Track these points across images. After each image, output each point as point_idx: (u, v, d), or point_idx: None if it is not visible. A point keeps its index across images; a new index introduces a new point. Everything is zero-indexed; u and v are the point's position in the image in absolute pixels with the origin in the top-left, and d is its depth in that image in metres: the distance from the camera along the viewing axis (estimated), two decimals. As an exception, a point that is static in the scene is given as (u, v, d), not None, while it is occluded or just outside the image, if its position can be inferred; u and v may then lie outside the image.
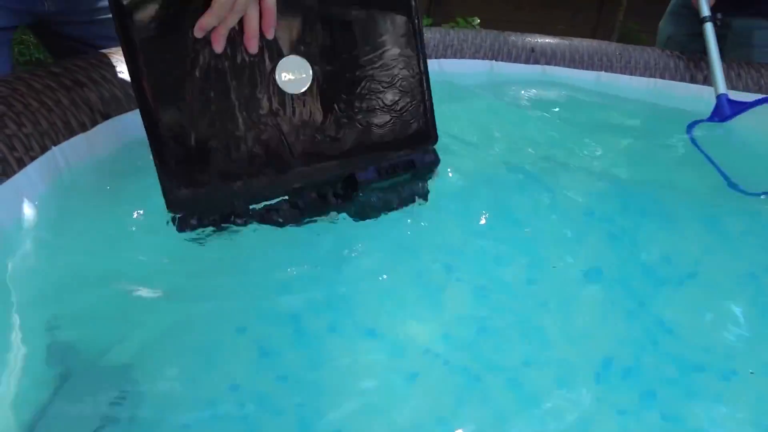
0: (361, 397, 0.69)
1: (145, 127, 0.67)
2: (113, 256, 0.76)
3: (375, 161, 0.80)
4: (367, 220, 0.86)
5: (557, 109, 1.40)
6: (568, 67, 1.47)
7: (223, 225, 0.76)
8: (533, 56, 1.47)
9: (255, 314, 0.76)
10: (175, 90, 0.66)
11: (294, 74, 0.73)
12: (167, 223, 0.74)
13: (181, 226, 0.73)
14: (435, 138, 0.84)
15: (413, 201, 0.91)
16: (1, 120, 0.78)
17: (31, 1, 1.03)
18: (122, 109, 0.95)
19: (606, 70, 1.46)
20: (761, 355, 0.79)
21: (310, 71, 0.73)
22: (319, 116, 0.75)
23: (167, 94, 0.66)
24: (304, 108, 0.74)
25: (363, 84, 0.77)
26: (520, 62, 1.47)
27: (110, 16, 1.13)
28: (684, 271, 0.93)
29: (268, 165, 0.73)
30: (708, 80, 1.38)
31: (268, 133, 0.72)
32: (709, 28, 1.34)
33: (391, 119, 0.80)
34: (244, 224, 0.77)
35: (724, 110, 1.26)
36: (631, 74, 1.46)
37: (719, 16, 1.37)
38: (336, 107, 0.76)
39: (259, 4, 0.68)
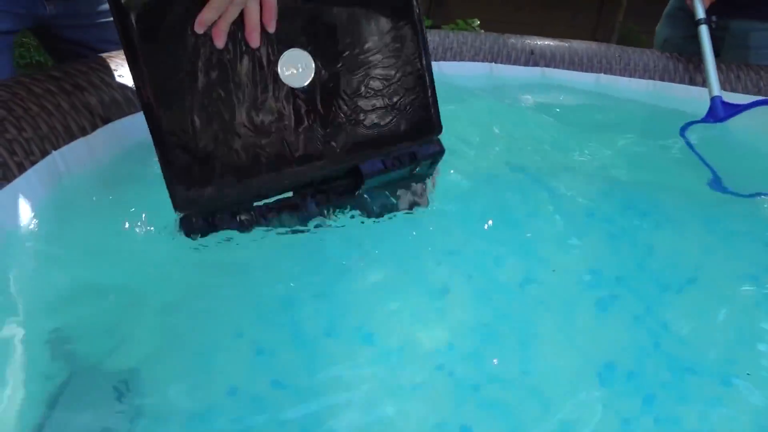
0: (360, 401, 0.69)
1: (149, 126, 0.67)
2: (113, 260, 0.76)
3: (380, 153, 0.80)
4: (367, 222, 0.86)
5: (557, 112, 1.40)
6: (568, 69, 1.47)
7: (228, 227, 0.75)
8: (533, 58, 1.47)
9: (254, 319, 0.76)
10: (177, 87, 0.66)
11: (296, 67, 0.72)
12: (175, 230, 0.74)
13: (187, 228, 0.72)
14: (439, 128, 0.84)
15: (418, 192, 0.91)
16: (1, 124, 0.78)
17: (33, 5, 1.04)
18: (122, 113, 0.96)
19: (605, 72, 1.47)
20: (759, 356, 0.79)
21: (313, 64, 0.73)
22: (322, 109, 0.74)
23: (170, 92, 0.66)
24: (307, 101, 0.73)
25: (366, 76, 0.77)
26: (520, 64, 1.47)
27: (111, 19, 1.15)
28: (684, 274, 0.93)
29: (273, 160, 0.72)
30: (707, 83, 1.38)
31: (272, 127, 0.72)
32: (704, 30, 1.34)
33: (394, 111, 0.79)
34: (250, 226, 0.77)
35: (718, 112, 1.27)
36: (630, 76, 1.47)
37: (714, 18, 1.37)
38: (339, 100, 0.75)
39: None
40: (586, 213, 1.05)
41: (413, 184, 0.90)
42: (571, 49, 1.49)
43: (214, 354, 0.71)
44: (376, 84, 0.77)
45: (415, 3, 0.79)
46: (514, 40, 1.49)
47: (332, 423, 0.66)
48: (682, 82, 1.45)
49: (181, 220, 0.72)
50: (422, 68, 0.80)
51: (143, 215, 0.81)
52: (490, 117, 1.30)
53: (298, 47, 0.72)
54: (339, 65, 0.75)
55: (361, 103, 0.77)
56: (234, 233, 0.77)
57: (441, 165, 0.92)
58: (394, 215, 0.89)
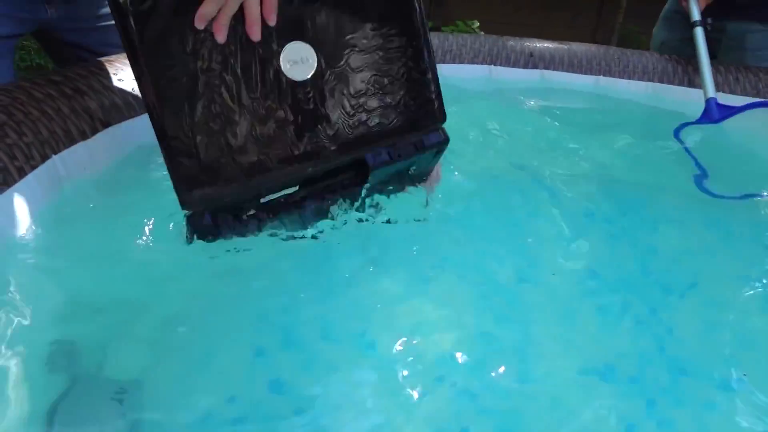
0: (362, 407, 0.69)
1: (153, 123, 0.66)
2: (113, 266, 0.76)
3: (385, 144, 0.79)
4: (370, 226, 0.86)
5: (556, 114, 1.40)
6: (567, 71, 1.47)
7: (235, 226, 0.75)
8: (532, 61, 1.48)
9: (256, 327, 0.76)
10: (180, 84, 0.66)
11: (299, 61, 0.71)
12: (183, 232, 0.74)
13: (195, 227, 0.72)
14: (443, 117, 0.83)
15: (424, 180, 0.91)
16: (2, 129, 0.79)
17: (35, 9, 1.04)
18: (122, 117, 0.96)
19: (604, 75, 1.47)
20: (756, 357, 0.79)
21: (315, 56, 0.72)
22: (326, 102, 0.74)
23: (172, 89, 0.65)
24: (311, 94, 0.73)
25: (368, 67, 0.76)
26: (519, 67, 1.48)
27: (112, 23, 1.16)
28: (684, 275, 0.92)
29: (278, 154, 0.72)
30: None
31: (277, 121, 0.71)
32: (699, 33, 1.35)
33: (398, 101, 0.79)
34: (257, 224, 0.77)
35: (713, 114, 1.27)
36: (629, 78, 1.47)
37: (709, 20, 1.38)
38: (343, 92, 0.75)
39: None
40: (586, 215, 1.05)
41: (418, 175, 0.90)
42: (571, 51, 1.49)
43: (215, 362, 0.71)
44: (378, 75, 0.77)
45: None
46: (513, 43, 1.49)
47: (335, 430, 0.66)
48: (681, 84, 1.45)
49: (188, 218, 0.72)
50: (424, 57, 0.79)
51: (143, 220, 0.81)
52: (490, 119, 1.30)
53: (299, 40, 0.71)
54: (341, 57, 0.74)
55: (365, 94, 0.76)
56: (236, 238, 0.77)
57: (442, 166, 0.93)
58: (397, 221, 0.89)
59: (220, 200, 0.71)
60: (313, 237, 0.83)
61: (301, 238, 0.82)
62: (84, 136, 0.89)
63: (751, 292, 0.90)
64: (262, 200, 0.77)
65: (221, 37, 0.66)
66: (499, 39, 1.50)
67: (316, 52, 0.72)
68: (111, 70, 1.00)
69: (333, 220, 0.85)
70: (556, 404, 0.71)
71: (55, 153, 0.84)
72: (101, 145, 0.91)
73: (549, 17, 3.67)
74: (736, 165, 1.24)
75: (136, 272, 0.76)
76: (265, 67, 0.70)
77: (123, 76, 1.01)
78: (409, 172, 0.88)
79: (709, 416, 0.72)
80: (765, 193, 1.10)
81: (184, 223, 0.73)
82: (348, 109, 0.75)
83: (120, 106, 0.96)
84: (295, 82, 0.71)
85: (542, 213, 1.02)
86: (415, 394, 0.70)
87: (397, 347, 0.75)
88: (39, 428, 0.59)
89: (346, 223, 0.85)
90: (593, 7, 3.75)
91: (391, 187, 0.88)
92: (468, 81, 1.41)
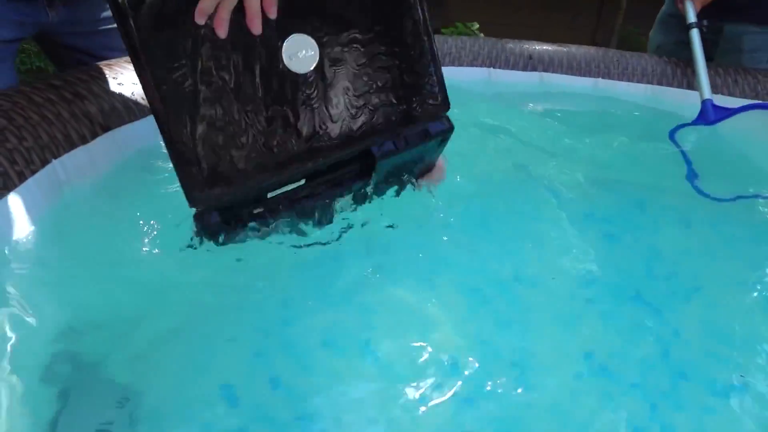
0: (361, 412, 0.69)
1: (157, 122, 0.66)
2: (113, 269, 0.76)
3: (390, 135, 0.79)
4: (369, 227, 0.86)
5: (556, 116, 1.40)
6: (566, 73, 1.47)
7: (243, 224, 0.75)
8: (531, 63, 1.48)
9: (255, 329, 0.77)
10: (183, 82, 0.66)
11: (300, 53, 0.71)
12: (193, 233, 0.74)
13: (203, 225, 0.72)
14: (447, 106, 0.83)
15: (428, 172, 0.91)
16: (2, 134, 0.79)
17: (36, 12, 1.04)
18: (122, 121, 0.96)
19: (603, 77, 1.47)
20: (753, 358, 0.80)
21: (317, 48, 0.72)
22: (329, 94, 0.74)
23: (176, 88, 0.65)
24: (314, 87, 0.72)
25: (370, 57, 0.76)
26: (518, 69, 1.48)
27: (113, 26, 1.16)
28: (685, 278, 0.93)
29: (284, 148, 0.72)
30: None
31: (281, 114, 0.71)
32: (695, 34, 1.36)
33: (401, 91, 0.78)
34: (266, 221, 0.77)
35: (709, 115, 1.28)
36: (628, 81, 1.47)
37: (705, 22, 1.38)
38: (346, 84, 0.75)
39: None
40: (586, 217, 1.05)
41: (423, 166, 0.90)
42: (570, 54, 1.49)
43: (217, 370, 0.71)
44: (381, 65, 0.76)
45: None
46: (512, 45, 1.49)
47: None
48: (680, 86, 1.45)
49: (196, 216, 0.72)
50: (426, 46, 0.79)
51: (144, 225, 0.81)
52: (489, 122, 1.30)
53: (300, 32, 0.71)
54: (342, 48, 0.74)
55: (367, 84, 0.76)
56: (244, 238, 0.77)
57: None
58: (399, 225, 0.89)
59: (227, 197, 0.70)
60: (319, 244, 0.83)
61: (302, 246, 0.82)
62: (84, 141, 0.89)
63: (752, 294, 0.90)
64: (269, 195, 0.77)
65: (222, 31, 0.65)
66: (498, 41, 1.50)
67: (318, 44, 0.72)
68: (111, 75, 1.01)
69: (340, 213, 0.85)
70: (558, 409, 0.71)
71: (56, 157, 0.84)
72: (101, 149, 0.91)
73: (549, 18, 3.68)
74: (731, 166, 1.24)
75: (137, 278, 0.76)
76: (268, 60, 0.69)
77: (123, 80, 1.01)
78: (415, 164, 0.88)
79: (711, 420, 0.72)
80: (760, 195, 1.11)
81: (193, 221, 0.73)
82: (351, 100, 0.75)
83: (120, 111, 0.96)
84: (298, 74, 0.71)
85: (543, 216, 1.03)
86: (417, 401, 0.70)
87: (399, 352, 0.75)
88: (42, 418, 0.60)
89: (350, 227, 0.86)
90: (593, 9, 3.75)
91: (396, 182, 0.88)
92: (467, 84, 1.41)
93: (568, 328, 0.83)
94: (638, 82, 1.47)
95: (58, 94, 0.89)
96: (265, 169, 0.71)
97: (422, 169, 0.91)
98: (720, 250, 1.00)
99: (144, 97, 1.02)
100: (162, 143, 1.01)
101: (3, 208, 0.74)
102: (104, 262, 0.77)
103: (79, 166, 0.87)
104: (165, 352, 0.72)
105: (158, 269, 0.78)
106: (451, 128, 0.84)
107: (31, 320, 0.66)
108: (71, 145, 0.87)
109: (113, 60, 1.06)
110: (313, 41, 0.71)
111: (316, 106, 0.73)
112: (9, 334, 0.64)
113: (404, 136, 0.80)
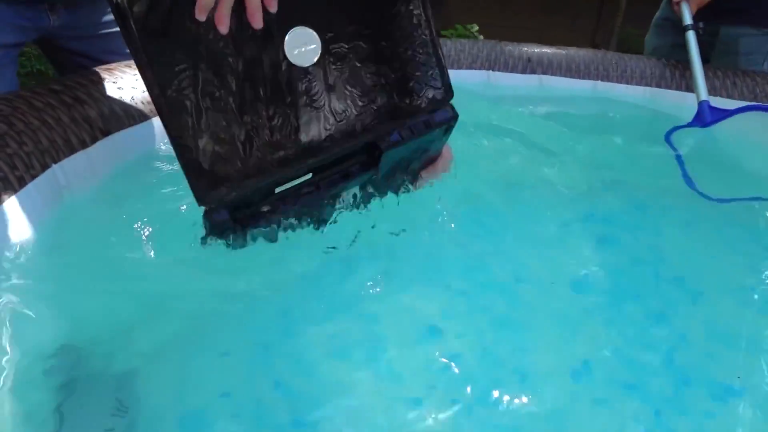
0: (359, 417, 0.69)
1: (162, 121, 0.66)
2: (114, 274, 0.76)
3: (395, 125, 0.79)
4: (371, 232, 0.86)
5: (555, 119, 1.40)
6: (565, 76, 1.48)
7: (252, 220, 0.75)
8: (530, 66, 1.48)
9: (256, 332, 0.76)
10: (187, 80, 0.65)
11: (303, 46, 0.71)
12: (203, 231, 0.74)
13: (213, 222, 0.72)
14: (451, 94, 0.83)
15: (433, 162, 0.91)
16: (2, 139, 0.79)
17: (38, 17, 1.05)
18: (122, 126, 0.97)
19: (602, 80, 1.48)
20: (748, 361, 0.80)
21: (319, 41, 0.71)
22: (333, 86, 0.73)
23: (180, 86, 0.65)
24: (317, 80, 0.72)
25: (373, 48, 0.76)
26: (517, 72, 1.48)
27: (114, 30, 1.16)
28: (688, 283, 0.92)
29: (290, 142, 0.72)
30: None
31: (286, 108, 0.71)
32: (691, 36, 1.37)
33: (404, 81, 0.78)
34: (275, 217, 0.77)
35: (705, 117, 1.28)
36: (627, 83, 1.48)
37: (701, 24, 1.39)
38: (349, 76, 0.74)
39: None
40: (587, 220, 1.05)
41: (428, 156, 0.90)
42: (568, 57, 1.49)
43: (218, 376, 0.71)
44: (383, 56, 0.76)
45: None
46: (511, 48, 1.50)
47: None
48: (678, 88, 1.46)
49: (206, 214, 0.72)
50: (428, 35, 0.79)
51: (144, 229, 0.81)
52: (488, 125, 1.30)
53: (302, 25, 0.70)
54: (345, 40, 0.73)
55: (370, 76, 0.76)
56: (252, 235, 0.77)
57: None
58: (401, 230, 0.89)
59: (235, 193, 0.70)
60: (322, 249, 0.83)
61: (303, 259, 0.82)
62: (84, 145, 0.89)
63: (755, 296, 0.90)
64: (277, 190, 0.77)
65: (223, 27, 0.65)
66: (497, 44, 1.50)
67: (319, 37, 0.72)
68: (111, 79, 1.01)
69: (346, 214, 0.85)
70: (561, 415, 0.71)
71: (55, 162, 0.84)
72: (101, 153, 0.91)
73: (548, 20, 3.68)
74: (727, 168, 1.24)
75: (137, 285, 0.76)
76: (270, 55, 0.69)
77: (122, 84, 1.02)
78: (421, 153, 0.88)
79: (715, 425, 0.72)
80: (760, 197, 1.11)
81: (203, 221, 0.73)
82: (354, 92, 0.75)
83: (120, 115, 0.97)
84: (301, 68, 0.71)
85: (544, 219, 1.03)
86: (420, 408, 0.70)
87: (402, 359, 0.74)
88: (41, 420, 0.60)
89: (352, 231, 0.86)
90: (593, 11, 3.76)
91: (403, 174, 0.88)
92: (466, 86, 1.42)
93: (570, 332, 0.82)
94: (637, 84, 1.47)
95: (58, 99, 0.90)
96: (272, 163, 0.71)
97: (428, 159, 0.91)
98: (721, 251, 1.00)
99: (144, 101, 1.03)
100: (161, 147, 1.03)
101: (3, 212, 0.74)
102: (104, 269, 0.77)
103: (78, 170, 0.87)
104: (165, 359, 0.72)
105: (158, 276, 0.78)
106: (455, 116, 0.84)
107: (29, 326, 0.66)
108: (71, 150, 0.87)
109: (113, 64, 1.07)
110: (314, 34, 0.71)
111: (319, 99, 0.72)
112: (8, 335, 0.64)
113: (409, 126, 0.80)
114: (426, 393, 0.71)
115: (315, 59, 0.72)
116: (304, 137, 0.72)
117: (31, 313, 0.67)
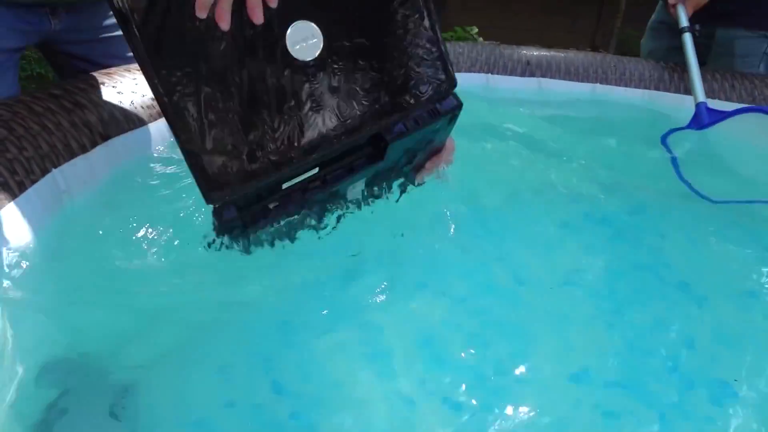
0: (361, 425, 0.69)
1: (167, 121, 0.66)
2: (113, 276, 0.77)
3: (399, 116, 0.79)
4: (372, 235, 0.86)
5: (554, 122, 1.40)
6: (564, 79, 1.48)
7: (260, 216, 0.75)
8: (529, 69, 1.48)
9: (254, 337, 0.77)
10: (191, 79, 0.65)
11: (305, 40, 0.70)
12: (213, 230, 0.73)
13: (222, 219, 0.72)
14: (454, 83, 0.82)
15: (437, 154, 0.91)
16: (2, 144, 0.79)
17: (39, 21, 1.05)
18: (122, 130, 0.97)
19: (601, 82, 1.48)
20: (748, 362, 0.80)
21: (320, 34, 0.71)
22: (336, 80, 0.73)
23: (183, 86, 0.65)
24: (320, 74, 0.72)
25: (374, 40, 0.75)
26: (516, 75, 1.49)
27: (116, 34, 1.17)
28: (694, 286, 0.92)
29: (295, 137, 0.71)
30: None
31: (290, 104, 0.70)
32: (687, 38, 1.37)
33: (407, 72, 0.78)
34: (283, 212, 0.77)
35: (703, 118, 1.28)
36: (626, 86, 1.48)
37: (697, 26, 1.40)
38: (352, 68, 0.74)
39: None
40: (587, 223, 1.05)
41: (433, 147, 0.91)
42: (567, 59, 1.50)
43: (219, 381, 0.71)
44: (386, 47, 0.76)
45: None
46: (510, 51, 1.50)
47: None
48: (677, 91, 1.46)
49: (215, 212, 0.72)
50: (430, 25, 0.79)
51: (144, 233, 0.81)
52: (487, 128, 1.30)
53: (302, 19, 0.70)
54: (345, 32, 0.73)
55: (373, 67, 0.75)
56: (262, 231, 0.77)
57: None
58: (402, 235, 0.89)
59: (242, 190, 0.70)
60: (325, 257, 0.84)
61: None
62: (84, 150, 0.89)
63: (758, 298, 0.90)
64: (284, 186, 0.77)
65: (224, 24, 0.64)
66: (496, 47, 1.51)
67: (321, 30, 0.71)
68: (110, 83, 1.01)
69: (355, 204, 0.85)
70: (563, 419, 0.71)
71: (56, 167, 0.84)
72: (101, 158, 0.91)
73: (548, 22, 3.69)
74: (724, 169, 1.25)
75: (136, 291, 0.76)
76: (272, 50, 0.69)
77: (122, 89, 1.02)
78: (425, 144, 0.88)
79: (718, 429, 0.72)
80: (759, 199, 1.11)
81: (212, 219, 0.73)
82: (358, 84, 0.74)
83: (119, 120, 0.97)
84: (303, 62, 0.71)
85: (543, 222, 1.03)
86: (426, 415, 0.70)
87: (402, 366, 0.74)
88: (40, 422, 0.60)
89: (356, 243, 0.86)
90: (592, 12, 3.76)
91: (408, 166, 0.89)
92: (465, 89, 1.41)
93: (572, 336, 0.82)
94: (636, 87, 1.48)
95: (58, 104, 0.90)
96: (278, 161, 0.70)
97: (432, 149, 0.91)
98: (722, 253, 1.00)
99: (143, 105, 1.03)
100: (161, 152, 1.03)
101: (3, 217, 0.74)
102: (102, 277, 0.77)
103: (78, 175, 0.87)
104: (164, 370, 0.72)
105: (157, 285, 0.78)
106: (459, 105, 0.84)
107: (28, 333, 0.66)
108: (71, 155, 0.87)
109: (113, 69, 1.07)
110: (316, 27, 0.71)
111: (323, 93, 0.72)
112: (8, 338, 0.64)
113: (414, 116, 0.80)
114: (429, 401, 0.71)
115: (317, 53, 0.71)
116: (309, 133, 0.72)
117: (29, 322, 0.67)
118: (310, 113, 0.72)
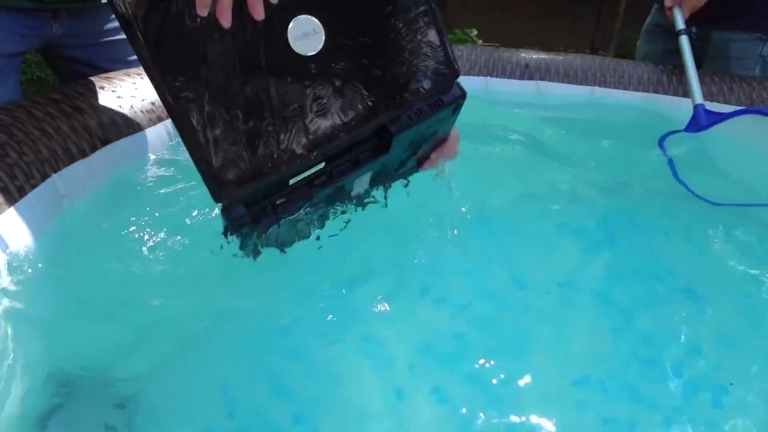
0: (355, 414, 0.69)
1: (173, 121, 0.66)
2: (113, 283, 0.77)
3: (404, 108, 0.79)
4: (372, 238, 0.87)
5: (553, 125, 1.41)
6: (563, 82, 1.48)
7: (269, 213, 0.76)
8: (528, 72, 1.49)
9: (252, 330, 0.77)
10: (196, 78, 0.65)
11: (306, 35, 0.70)
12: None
13: (230, 217, 0.72)
14: (457, 72, 0.82)
15: (441, 146, 0.91)
16: (2, 149, 0.80)
17: (40, 25, 1.05)
18: (121, 134, 0.97)
19: (600, 85, 1.48)
20: (745, 364, 0.80)
21: (321, 29, 0.71)
22: (339, 74, 0.73)
23: (189, 85, 0.65)
24: (323, 68, 0.72)
25: (376, 32, 0.75)
26: (515, 78, 1.49)
27: (117, 38, 1.17)
28: (695, 289, 0.92)
29: (301, 133, 0.72)
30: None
31: (294, 99, 0.71)
32: (684, 41, 1.37)
33: (410, 63, 0.78)
34: (291, 208, 0.77)
35: (701, 120, 1.28)
36: (624, 89, 1.48)
37: (694, 29, 1.40)
38: (354, 62, 0.74)
39: None
40: (587, 226, 1.05)
41: (438, 138, 0.91)
42: (566, 62, 1.50)
43: (218, 384, 0.71)
44: (387, 39, 0.76)
45: None
46: (509, 54, 1.51)
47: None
48: (675, 93, 1.46)
49: (223, 210, 0.72)
50: (430, 15, 0.78)
51: (143, 241, 0.82)
52: (486, 131, 1.31)
53: (303, 14, 0.70)
54: (347, 26, 0.73)
55: (376, 60, 0.75)
56: (272, 227, 0.77)
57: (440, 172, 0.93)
58: (402, 239, 0.89)
59: (250, 188, 0.70)
60: (324, 263, 0.84)
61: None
62: (83, 154, 0.90)
63: (759, 300, 0.90)
64: (291, 181, 0.77)
65: (225, 21, 0.64)
66: (495, 50, 1.51)
67: (322, 24, 0.71)
68: (110, 88, 1.02)
69: (361, 200, 0.85)
70: (566, 424, 0.72)
71: (55, 171, 0.85)
72: (101, 162, 0.92)
73: (548, 24, 3.69)
74: (723, 171, 1.24)
75: (136, 293, 0.77)
76: (275, 46, 0.69)
77: (122, 93, 1.02)
78: (430, 135, 0.88)
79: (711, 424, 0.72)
80: (758, 201, 1.11)
81: (220, 215, 0.73)
82: (361, 77, 0.74)
83: (119, 124, 0.97)
84: (306, 57, 0.71)
85: (542, 224, 1.03)
86: (424, 418, 0.70)
87: (404, 367, 0.75)
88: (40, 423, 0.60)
89: (355, 248, 0.86)
90: (592, 15, 3.77)
91: (414, 156, 0.89)
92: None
93: (574, 340, 0.82)
94: (634, 89, 1.48)
95: (57, 108, 0.90)
96: (284, 158, 0.71)
97: (437, 140, 0.91)
98: (723, 255, 1.00)
99: (143, 109, 1.04)
100: (161, 156, 1.03)
101: (3, 222, 0.75)
102: (101, 283, 0.77)
103: (78, 179, 0.88)
104: (164, 379, 0.72)
105: (157, 292, 0.78)
106: (463, 95, 0.84)
107: (27, 339, 0.66)
108: (71, 159, 0.87)
109: (112, 73, 1.07)
110: (317, 21, 0.71)
111: (326, 87, 0.72)
112: (7, 340, 0.65)
113: (418, 108, 0.80)
114: (431, 406, 0.71)
115: (319, 47, 0.71)
116: (314, 128, 0.72)
117: (28, 330, 0.67)
118: (315, 108, 0.72)
